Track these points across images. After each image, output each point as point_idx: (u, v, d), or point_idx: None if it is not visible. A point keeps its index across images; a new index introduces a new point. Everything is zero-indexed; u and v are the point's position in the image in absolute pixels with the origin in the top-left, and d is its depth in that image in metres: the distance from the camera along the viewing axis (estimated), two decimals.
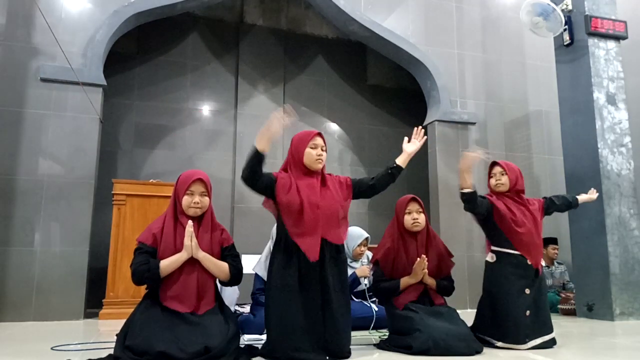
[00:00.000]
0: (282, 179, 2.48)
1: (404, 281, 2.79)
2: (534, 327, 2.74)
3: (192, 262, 2.33)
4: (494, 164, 3.05)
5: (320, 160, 2.50)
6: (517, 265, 2.83)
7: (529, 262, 2.83)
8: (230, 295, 3.44)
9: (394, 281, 2.80)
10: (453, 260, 2.97)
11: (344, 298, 2.45)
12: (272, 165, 5.79)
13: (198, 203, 2.38)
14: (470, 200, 2.84)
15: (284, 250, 2.42)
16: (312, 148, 2.50)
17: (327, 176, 2.58)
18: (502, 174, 3.00)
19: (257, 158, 2.39)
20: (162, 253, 2.32)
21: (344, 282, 2.48)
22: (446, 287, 2.88)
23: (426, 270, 2.76)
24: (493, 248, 2.95)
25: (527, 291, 2.78)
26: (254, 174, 2.40)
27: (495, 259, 2.92)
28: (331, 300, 2.36)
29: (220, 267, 2.38)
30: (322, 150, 2.52)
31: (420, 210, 2.87)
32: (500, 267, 2.86)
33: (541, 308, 2.82)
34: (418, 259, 2.76)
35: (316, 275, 2.36)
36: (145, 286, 2.37)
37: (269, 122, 2.37)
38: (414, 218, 2.84)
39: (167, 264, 2.28)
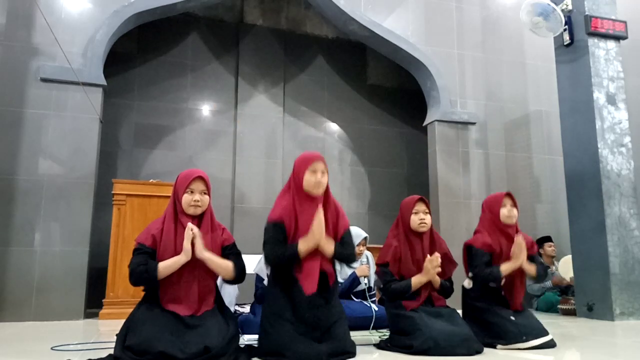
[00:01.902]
0: (288, 224, 2.40)
1: (415, 280, 2.74)
2: (526, 329, 2.75)
3: (193, 265, 2.30)
4: (508, 194, 3.02)
5: (319, 186, 2.43)
6: (497, 295, 2.90)
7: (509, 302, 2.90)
8: (230, 294, 3.44)
9: (405, 281, 2.75)
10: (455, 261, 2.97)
11: (334, 306, 2.44)
12: (273, 165, 5.83)
13: (198, 201, 2.36)
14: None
15: (281, 281, 2.41)
16: (311, 173, 2.42)
17: (329, 204, 2.52)
18: (513, 206, 2.98)
19: (294, 259, 2.35)
20: (161, 254, 2.30)
21: (332, 293, 2.46)
22: (448, 288, 2.87)
23: (439, 269, 2.74)
24: (472, 274, 2.97)
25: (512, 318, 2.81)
26: (283, 265, 2.39)
27: (471, 285, 2.97)
28: (324, 318, 2.35)
29: (225, 267, 2.35)
30: (322, 175, 2.44)
31: (427, 211, 2.86)
32: (478, 291, 2.94)
33: (527, 317, 2.86)
34: (429, 256, 2.74)
35: (309, 304, 2.34)
36: (142, 288, 2.36)
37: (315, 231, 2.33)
38: (421, 218, 2.83)
39: (166, 267, 2.26)
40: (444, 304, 2.84)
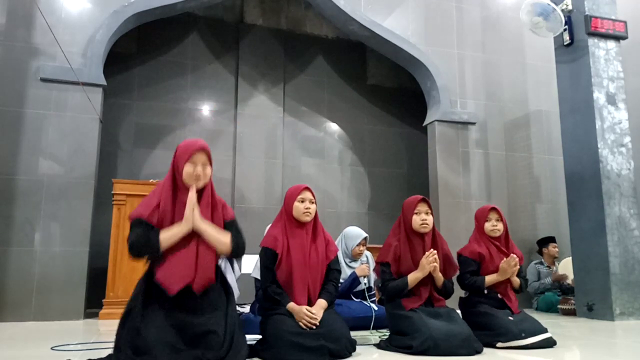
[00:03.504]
0: (279, 252, 2.57)
1: (412, 277, 2.75)
2: (524, 326, 2.77)
3: (190, 237, 2.17)
4: (493, 208, 3.09)
5: (307, 214, 2.62)
6: (493, 299, 2.96)
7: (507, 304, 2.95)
8: (232, 286, 3.43)
9: (402, 279, 2.77)
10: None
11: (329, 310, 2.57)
12: (273, 165, 5.82)
13: (200, 174, 2.21)
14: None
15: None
16: (300, 202, 2.63)
17: (319, 230, 2.69)
18: (498, 220, 3.07)
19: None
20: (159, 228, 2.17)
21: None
22: (449, 288, 2.88)
23: (437, 264, 2.75)
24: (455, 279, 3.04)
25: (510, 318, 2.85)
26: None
27: (467, 293, 3.09)
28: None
29: (222, 240, 2.21)
30: (310, 203, 2.64)
31: (429, 211, 2.86)
32: (474, 298, 3.01)
33: (525, 317, 2.90)
34: (426, 252, 2.77)
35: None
36: (144, 262, 2.22)
37: None
38: (423, 219, 2.82)
39: (168, 237, 2.12)
40: (443, 305, 2.84)
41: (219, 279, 2.30)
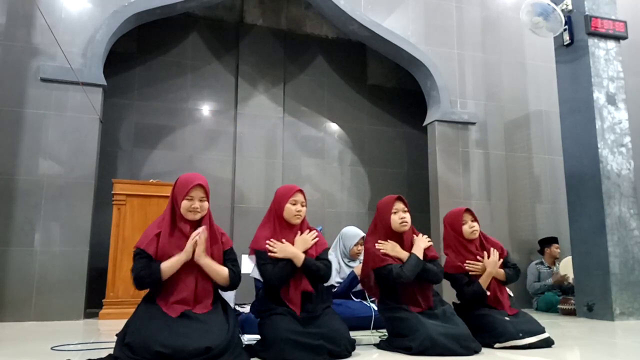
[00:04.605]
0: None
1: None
2: (522, 326, 2.77)
3: (190, 266, 2.32)
4: (467, 210, 3.08)
5: (298, 216, 2.64)
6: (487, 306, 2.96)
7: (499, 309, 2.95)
8: (229, 293, 3.43)
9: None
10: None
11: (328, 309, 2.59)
12: (273, 165, 5.82)
13: (197, 208, 2.37)
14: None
15: (271, 298, 2.57)
16: (292, 204, 2.64)
17: (305, 229, 2.69)
18: (473, 220, 3.05)
19: (292, 269, 2.53)
20: (159, 258, 2.31)
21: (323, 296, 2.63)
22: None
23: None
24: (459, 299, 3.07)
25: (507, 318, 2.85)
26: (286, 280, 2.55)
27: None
28: (318, 317, 2.49)
29: (221, 273, 2.37)
30: (301, 206, 2.65)
31: (406, 209, 2.83)
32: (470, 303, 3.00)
33: (522, 317, 2.89)
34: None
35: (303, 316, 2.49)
36: (147, 291, 2.37)
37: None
38: (402, 217, 2.79)
39: (168, 266, 2.27)
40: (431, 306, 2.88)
41: (219, 300, 2.44)
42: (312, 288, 2.56)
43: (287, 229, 2.64)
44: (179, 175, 2.50)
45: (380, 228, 2.85)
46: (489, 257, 2.97)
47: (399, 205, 2.82)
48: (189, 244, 2.30)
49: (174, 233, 2.36)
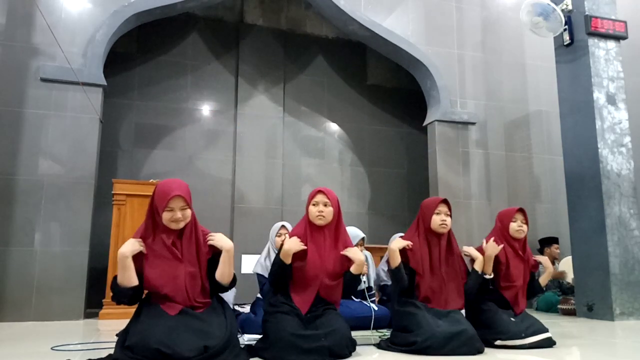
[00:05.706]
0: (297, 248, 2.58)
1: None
2: (525, 326, 2.78)
3: (177, 267, 2.26)
4: (521, 210, 3.09)
5: (321, 217, 2.60)
6: (498, 301, 2.95)
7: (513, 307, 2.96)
8: (228, 293, 3.43)
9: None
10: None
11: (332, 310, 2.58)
12: (273, 165, 5.82)
13: (180, 218, 2.28)
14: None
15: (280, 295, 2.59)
16: (313, 205, 2.63)
17: (341, 236, 2.67)
18: (524, 222, 3.07)
19: (284, 270, 2.53)
20: (141, 267, 2.27)
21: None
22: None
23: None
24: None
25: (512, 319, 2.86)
26: (283, 281, 2.56)
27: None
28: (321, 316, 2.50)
29: (232, 269, 2.36)
30: (324, 206, 2.61)
31: (449, 212, 2.88)
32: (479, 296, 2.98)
33: (526, 317, 2.90)
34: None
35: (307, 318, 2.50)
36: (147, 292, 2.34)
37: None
38: (443, 219, 2.84)
39: (121, 274, 2.22)
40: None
41: (216, 299, 2.41)
42: (332, 300, 2.60)
43: (317, 232, 2.62)
44: (179, 175, 2.47)
45: (421, 225, 2.90)
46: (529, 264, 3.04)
47: (443, 208, 2.86)
48: (131, 244, 2.25)
49: (156, 242, 2.30)
